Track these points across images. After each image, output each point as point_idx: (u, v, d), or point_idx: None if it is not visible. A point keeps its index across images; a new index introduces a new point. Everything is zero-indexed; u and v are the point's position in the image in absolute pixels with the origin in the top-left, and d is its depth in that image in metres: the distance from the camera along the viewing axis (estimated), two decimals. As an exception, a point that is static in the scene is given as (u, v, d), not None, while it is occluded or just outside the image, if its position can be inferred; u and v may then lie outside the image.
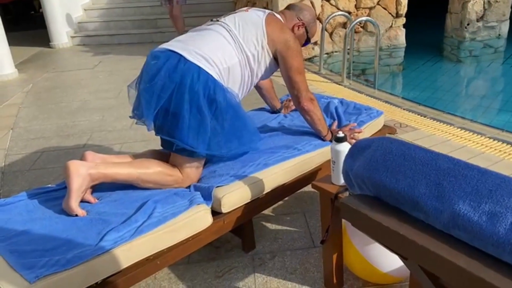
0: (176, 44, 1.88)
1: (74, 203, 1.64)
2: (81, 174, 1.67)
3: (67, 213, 1.65)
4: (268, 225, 2.27)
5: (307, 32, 2.16)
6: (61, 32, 7.51)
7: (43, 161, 3.19)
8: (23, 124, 3.99)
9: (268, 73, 2.06)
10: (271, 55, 1.98)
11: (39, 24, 8.04)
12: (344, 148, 1.56)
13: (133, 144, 3.38)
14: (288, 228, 2.24)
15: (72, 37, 7.70)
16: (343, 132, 2.14)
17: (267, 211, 2.34)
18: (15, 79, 5.64)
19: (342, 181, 1.60)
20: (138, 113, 1.92)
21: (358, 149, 0.72)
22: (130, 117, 2.00)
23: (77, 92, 4.91)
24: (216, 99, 1.81)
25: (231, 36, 1.92)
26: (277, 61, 2.02)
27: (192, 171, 1.88)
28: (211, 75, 1.82)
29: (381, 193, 0.65)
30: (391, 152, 0.65)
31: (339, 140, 1.56)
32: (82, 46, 7.59)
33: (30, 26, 9.22)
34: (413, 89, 4.71)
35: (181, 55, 1.81)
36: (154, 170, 1.81)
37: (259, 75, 2.02)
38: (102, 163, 1.79)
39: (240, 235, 2.08)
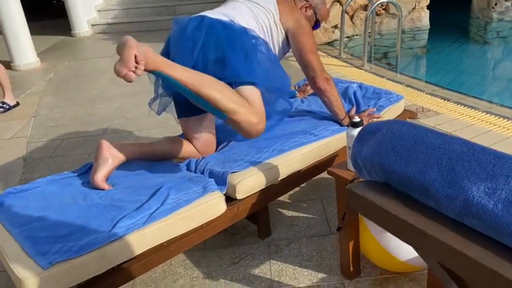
0: (197, 13, 1.90)
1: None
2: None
3: (87, 196, 1.66)
4: (284, 211, 2.24)
5: (315, 14, 2.12)
6: (81, 21, 7.57)
7: (64, 148, 3.23)
8: (44, 112, 4.05)
9: (281, 53, 2.04)
10: (283, 33, 1.97)
11: (60, 13, 8.11)
12: (360, 133, 1.52)
13: (151, 131, 3.38)
14: (304, 215, 2.21)
15: (93, 25, 7.75)
16: (360, 117, 2.10)
17: (283, 198, 2.31)
18: (37, 68, 5.72)
19: (358, 167, 1.56)
20: (166, 84, 1.87)
21: (367, 132, 0.68)
22: (151, 100, 2.01)
23: (97, 80, 4.95)
24: (252, 33, 1.83)
25: (246, 6, 1.94)
26: (288, 42, 2.01)
27: (256, 101, 1.71)
28: None
29: (391, 179, 0.62)
30: (402, 135, 0.61)
31: (355, 125, 1.51)
32: (102, 34, 7.63)
33: (51, 16, 9.32)
34: (436, 73, 4.57)
35: (203, 15, 1.83)
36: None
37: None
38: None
39: (255, 222, 2.06)
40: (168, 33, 1.93)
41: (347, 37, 5.63)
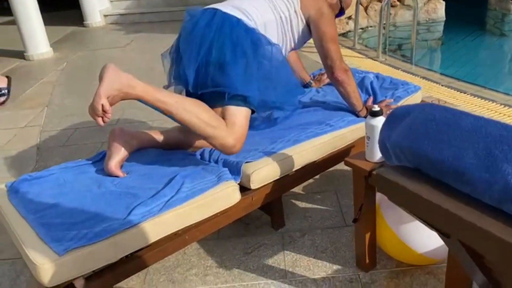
0: (210, 4, 1.87)
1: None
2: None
3: (102, 183, 1.66)
4: (298, 203, 2.22)
5: (340, 1, 2.07)
6: (94, 11, 7.57)
7: (77, 137, 3.24)
8: (57, 102, 4.06)
9: (301, 41, 2.01)
10: (304, 22, 1.94)
11: (73, 4, 8.12)
12: (379, 123, 1.48)
13: (164, 121, 3.37)
14: (318, 206, 2.18)
15: (105, 15, 7.75)
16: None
17: (297, 189, 2.29)
18: (50, 58, 5.74)
19: (377, 158, 1.53)
20: (176, 76, 1.90)
21: (395, 117, 0.65)
22: (164, 87, 1.98)
23: (110, 70, 4.94)
24: (260, 42, 1.78)
25: None
26: (310, 30, 1.97)
27: (237, 124, 1.74)
28: (250, 26, 1.79)
29: (422, 164, 0.59)
30: (434, 119, 0.59)
31: (375, 114, 1.48)
32: (115, 24, 7.63)
33: (64, 6, 9.34)
34: (451, 65, 4.49)
35: (216, 9, 1.80)
36: (202, 105, 1.72)
37: (292, 42, 1.97)
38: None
39: (269, 213, 2.04)
40: (181, 24, 1.91)
41: (361, 28, 5.56)
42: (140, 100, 1.60)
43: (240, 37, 1.74)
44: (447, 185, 0.58)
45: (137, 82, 1.59)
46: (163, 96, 1.61)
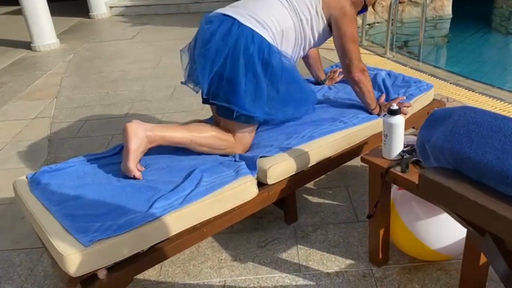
0: (230, 9, 1.87)
1: (132, 164, 1.68)
2: (139, 135, 1.70)
3: (121, 176, 1.69)
4: (310, 198, 2.25)
5: None
6: (100, 3, 7.56)
7: (87, 129, 3.26)
8: (66, 93, 4.08)
9: (321, 40, 2.02)
10: (325, 21, 1.94)
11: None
12: (398, 121, 1.51)
13: (174, 114, 3.40)
14: (330, 202, 2.21)
15: (111, 7, 7.75)
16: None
17: (308, 185, 2.32)
18: (57, 49, 5.75)
19: (394, 155, 1.55)
20: (193, 79, 1.94)
21: (436, 119, 0.68)
22: (182, 83, 2.02)
23: (117, 62, 4.96)
24: (271, 62, 1.79)
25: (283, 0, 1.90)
26: (330, 28, 1.98)
27: (245, 136, 1.89)
28: (265, 39, 1.79)
29: (463, 166, 0.61)
30: (476, 122, 0.61)
31: (393, 112, 1.50)
32: (121, 16, 7.63)
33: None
34: (458, 63, 4.50)
35: (235, 19, 1.80)
36: (208, 134, 1.84)
37: (312, 41, 1.98)
38: (158, 126, 1.80)
39: (282, 207, 2.07)
40: (198, 28, 1.92)
41: (368, 24, 5.56)
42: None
43: (253, 56, 1.76)
44: (488, 187, 0.60)
45: (156, 134, 1.73)
46: (179, 139, 1.79)
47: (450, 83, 3.57)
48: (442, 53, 5.16)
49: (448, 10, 5.97)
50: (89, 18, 7.59)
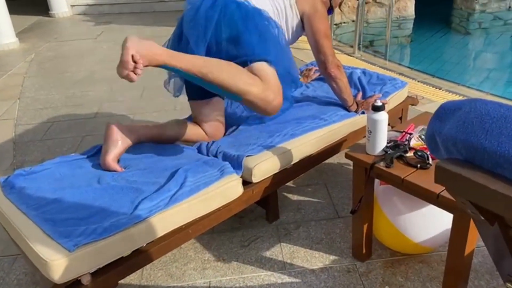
0: None
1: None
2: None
3: (101, 178, 1.63)
4: (290, 196, 2.26)
5: (330, 0, 2.12)
6: (61, 1, 7.31)
7: (54, 131, 3.14)
8: (29, 94, 3.92)
9: (295, 36, 2.05)
10: (299, 17, 1.98)
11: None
12: (381, 117, 1.53)
13: (145, 114, 3.33)
14: (310, 199, 2.23)
15: (72, 6, 7.51)
16: (368, 103, 2.12)
17: (288, 183, 2.32)
18: (17, 49, 5.52)
19: (377, 151, 1.58)
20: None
21: (446, 111, 0.69)
22: (165, 81, 2.00)
23: (82, 62, 4.81)
24: (265, 15, 1.81)
25: None
26: (303, 26, 2.00)
27: (272, 75, 1.72)
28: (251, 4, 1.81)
29: (476, 157, 0.63)
30: (488, 113, 0.62)
31: (377, 109, 1.52)
32: (83, 15, 7.41)
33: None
34: (421, 61, 4.64)
35: None
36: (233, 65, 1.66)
37: (285, 37, 1.99)
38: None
39: (264, 206, 2.07)
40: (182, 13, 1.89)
41: (335, 24, 5.65)
42: (165, 66, 1.52)
43: (249, 11, 1.76)
44: (502, 176, 0.62)
45: (162, 48, 1.53)
46: (191, 57, 1.56)
47: (418, 81, 3.67)
48: (406, 52, 5.30)
49: (411, 10, 6.15)
50: (49, 16, 7.32)
